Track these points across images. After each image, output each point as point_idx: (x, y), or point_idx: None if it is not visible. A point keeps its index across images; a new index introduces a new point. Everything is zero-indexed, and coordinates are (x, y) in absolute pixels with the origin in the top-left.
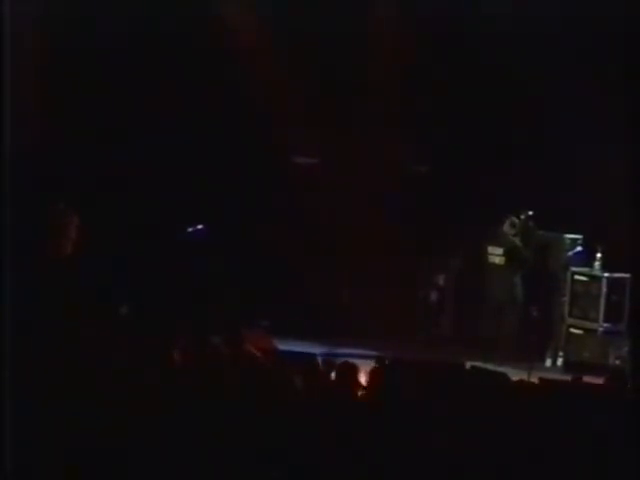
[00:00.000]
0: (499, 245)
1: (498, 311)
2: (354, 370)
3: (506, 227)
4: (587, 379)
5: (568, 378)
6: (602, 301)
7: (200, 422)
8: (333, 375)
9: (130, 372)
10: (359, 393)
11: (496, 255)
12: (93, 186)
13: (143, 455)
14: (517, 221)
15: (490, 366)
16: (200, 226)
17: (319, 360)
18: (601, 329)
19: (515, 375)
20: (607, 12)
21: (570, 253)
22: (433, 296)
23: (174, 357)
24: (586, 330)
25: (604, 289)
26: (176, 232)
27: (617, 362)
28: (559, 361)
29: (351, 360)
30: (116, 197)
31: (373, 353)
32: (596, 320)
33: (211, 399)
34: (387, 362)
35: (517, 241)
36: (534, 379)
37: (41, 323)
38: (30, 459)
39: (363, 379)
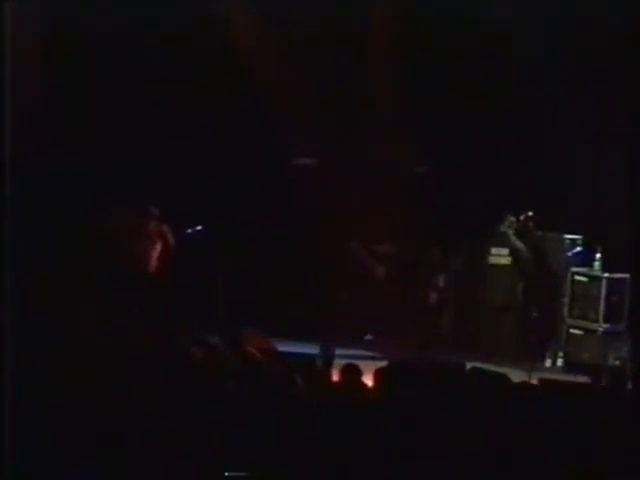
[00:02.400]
0: (501, 246)
1: (498, 312)
2: (357, 372)
3: (504, 227)
4: (587, 379)
5: (568, 379)
6: (602, 301)
7: (200, 422)
8: (335, 376)
9: (130, 372)
10: (361, 395)
11: (498, 256)
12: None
13: (143, 455)
14: (515, 221)
15: (490, 367)
16: (199, 227)
17: (318, 360)
18: (601, 329)
19: (515, 376)
20: (607, 12)
21: (570, 253)
22: (433, 297)
23: (174, 357)
24: (586, 330)
25: (604, 289)
26: (176, 232)
27: (617, 363)
28: (559, 362)
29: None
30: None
31: (373, 354)
32: (596, 321)
33: (211, 400)
34: (387, 364)
35: (518, 241)
36: (534, 380)
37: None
38: (30, 459)
39: (366, 381)
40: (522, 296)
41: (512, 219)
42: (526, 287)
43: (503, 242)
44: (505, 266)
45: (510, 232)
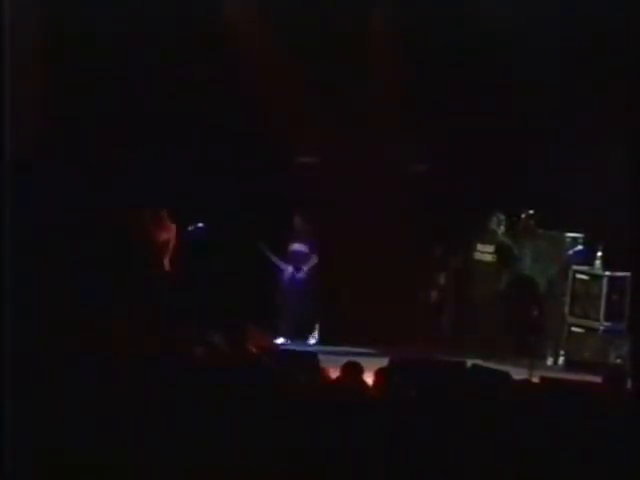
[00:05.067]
0: (489, 243)
1: (497, 310)
2: (358, 369)
3: (493, 224)
4: (587, 378)
5: (569, 377)
6: (603, 300)
7: (201, 421)
8: (336, 374)
9: (131, 372)
10: (363, 392)
11: (486, 253)
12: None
13: (143, 455)
14: (503, 218)
15: (491, 365)
16: (200, 225)
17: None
18: (602, 328)
19: (516, 374)
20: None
21: (571, 252)
22: (433, 296)
23: (175, 357)
24: (587, 329)
25: (605, 288)
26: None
27: (618, 361)
28: (560, 360)
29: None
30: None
31: (373, 352)
32: (597, 319)
33: (212, 398)
34: (388, 362)
35: (507, 238)
36: (535, 378)
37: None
38: (30, 459)
39: (367, 378)
40: (519, 294)
41: (499, 215)
42: (526, 285)
43: (491, 239)
44: (496, 264)
45: (498, 229)
